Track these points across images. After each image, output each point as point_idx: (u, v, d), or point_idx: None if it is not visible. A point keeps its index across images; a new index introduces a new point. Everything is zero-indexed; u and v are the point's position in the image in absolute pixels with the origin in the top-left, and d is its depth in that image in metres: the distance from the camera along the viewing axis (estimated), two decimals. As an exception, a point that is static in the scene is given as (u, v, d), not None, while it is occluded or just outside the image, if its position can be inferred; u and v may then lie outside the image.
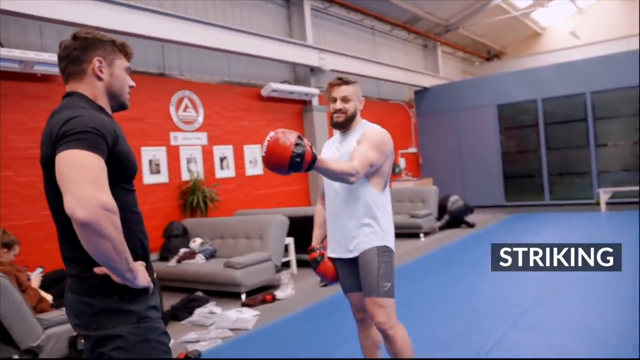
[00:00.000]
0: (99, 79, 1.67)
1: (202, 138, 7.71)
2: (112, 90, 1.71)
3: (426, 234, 8.87)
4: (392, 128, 12.51)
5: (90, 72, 1.66)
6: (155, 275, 1.79)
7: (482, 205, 11.55)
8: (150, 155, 6.92)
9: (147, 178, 6.85)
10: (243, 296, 5.37)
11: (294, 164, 2.13)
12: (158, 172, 7.00)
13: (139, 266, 1.60)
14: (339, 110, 2.68)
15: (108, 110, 1.72)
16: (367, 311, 2.63)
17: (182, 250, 6.09)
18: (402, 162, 12.39)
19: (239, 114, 8.33)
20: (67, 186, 1.40)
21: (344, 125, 2.71)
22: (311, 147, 2.21)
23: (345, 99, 2.67)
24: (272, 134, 2.16)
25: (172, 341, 4.16)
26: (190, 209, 7.17)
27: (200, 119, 7.70)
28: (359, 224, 2.61)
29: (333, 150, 2.78)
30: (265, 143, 2.14)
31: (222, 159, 7.99)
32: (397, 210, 9.18)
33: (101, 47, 1.68)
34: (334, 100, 2.69)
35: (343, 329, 3.96)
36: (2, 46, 5.29)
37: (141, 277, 1.58)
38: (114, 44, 1.71)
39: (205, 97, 7.78)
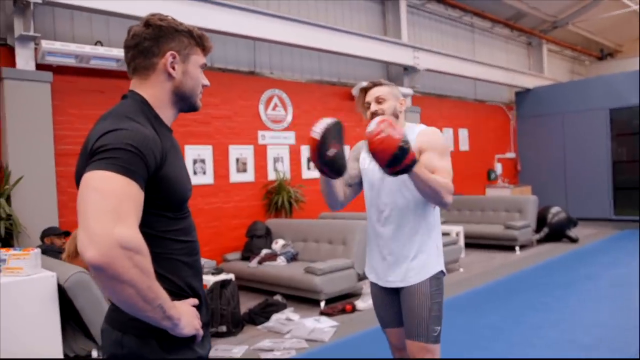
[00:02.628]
0: (170, 77, 1.41)
1: (290, 137, 7.63)
2: (182, 91, 1.44)
3: (522, 247, 8.24)
4: (489, 131, 11.95)
5: (161, 68, 1.40)
6: (210, 314, 1.53)
7: (586, 218, 10.60)
8: (237, 153, 6.93)
9: (234, 176, 6.88)
10: (322, 304, 5.19)
11: (398, 154, 1.86)
12: (244, 170, 7.00)
13: (184, 309, 1.31)
14: (375, 114, 2.30)
15: (168, 119, 1.45)
16: (408, 352, 2.25)
17: (264, 252, 6.03)
18: (498, 168, 11.68)
19: (328, 113, 8.16)
20: (82, 216, 1.11)
21: None
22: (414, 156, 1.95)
23: (379, 100, 2.31)
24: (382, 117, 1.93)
25: (245, 347, 4.09)
26: (275, 209, 7.11)
27: (289, 118, 7.63)
28: (410, 247, 2.25)
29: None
30: (376, 121, 1.91)
31: (309, 160, 7.87)
32: (491, 220, 8.65)
33: (177, 38, 1.41)
34: (368, 105, 2.35)
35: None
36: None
37: (185, 324, 1.28)
38: (192, 36, 1.44)
39: (295, 95, 7.70)
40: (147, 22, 1.41)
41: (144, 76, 1.42)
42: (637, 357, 3.00)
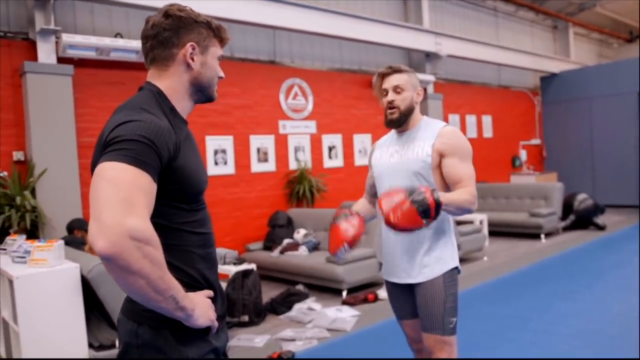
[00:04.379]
0: (189, 68, 1.40)
1: (311, 126, 7.60)
2: (200, 82, 1.43)
3: (547, 234, 8.09)
4: (513, 117, 11.72)
5: (180, 59, 1.39)
6: (226, 306, 1.51)
7: (614, 205, 10.36)
8: (258, 143, 6.93)
9: (255, 166, 6.88)
10: (344, 293, 5.18)
11: (424, 217, 1.87)
12: (266, 160, 7.00)
13: (198, 300, 1.29)
14: (391, 104, 2.23)
15: (184, 111, 1.44)
16: (425, 345, 2.24)
17: (286, 241, 6.03)
18: (523, 155, 11.47)
19: (349, 102, 8.11)
20: (93, 207, 1.11)
21: (399, 122, 2.25)
22: (432, 191, 1.90)
23: (397, 89, 2.22)
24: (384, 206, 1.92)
25: (267, 337, 4.10)
26: (297, 198, 7.11)
27: (310, 107, 7.59)
28: (425, 244, 2.21)
29: (391, 153, 2.32)
30: (386, 202, 1.93)
31: (330, 148, 7.84)
32: (516, 208, 8.52)
33: (196, 30, 1.40)
34: (385, 92, 2.26)
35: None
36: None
37: (199, 314, 1.27)
38: (210, 27, 1.44)
39: (315, 84, 7.65)
40: (167, 13, 1.40)
41: (163, 67, 1.41)
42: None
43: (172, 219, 1.32)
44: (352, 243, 2.14)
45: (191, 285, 1.34)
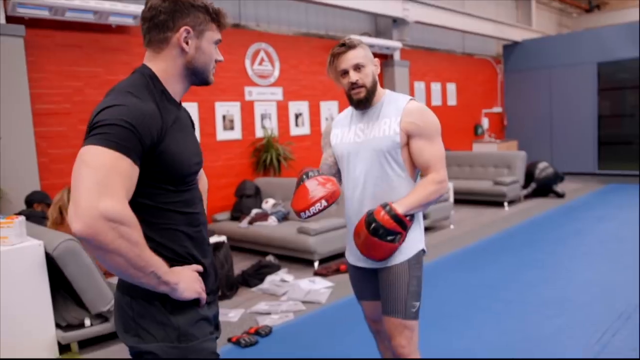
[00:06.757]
0: (183, 52, 1.41)
1: (278, 93, 7.40)
2: (194, 66, 1.44)
3: (510, 202, 8.26)
4: (476, 85, 11.74)
5: (174, 43, 1.40)
6: (217, 282, 1.59)
7: (571, 172, 10.67)
8: (224, 110, 6.71)
9: (221, 134, 6.68)
10: (316, 264, 5.14)
11: (389, 234, 1.96)
12: (232, 128, 6.80)
13: (184, 274, 1.37)
14: (356, 84, 2.05)
15: (177, 93, 1.46)
16: (385, 328, 2.14)
17: (254, 212, 5.91)
18: (485, 123, 11.60)
19: (316, 68, 7.93)
20: (73, 190, 1.17)
21: (368, 101, 2.09)
22: (384, 207, 1.98)
23: (359, 67, 2.05)
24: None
25: (242, 311, 4.02)
26: (264, 167, 6.96)
27: (276, 73, 7.38)
28: None
29: (355, 132, 2.15)
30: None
31: (297, 116, 7.68)
32: (480, 176, 8.64)
33: (192, 14, 1.41)
34: (345, 73, 2.07)
35: (428, 303, 3.57)
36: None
37: (184, 288, 1.35)
38: (207, 12, 1.44)
39: (282, 50, 7.42)
40: None
41: (157, 49, 1.43)
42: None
43: (157, 199, 1.37)
44: (332, 199, 1.98)
45: (179, 261, 1.41)
